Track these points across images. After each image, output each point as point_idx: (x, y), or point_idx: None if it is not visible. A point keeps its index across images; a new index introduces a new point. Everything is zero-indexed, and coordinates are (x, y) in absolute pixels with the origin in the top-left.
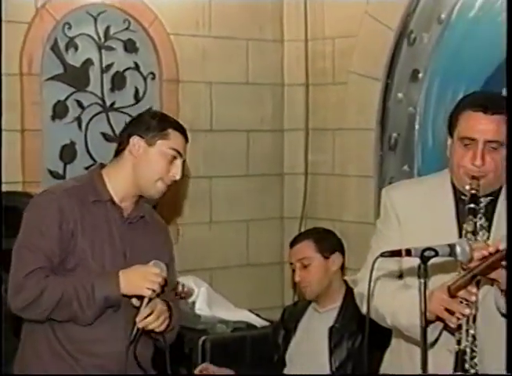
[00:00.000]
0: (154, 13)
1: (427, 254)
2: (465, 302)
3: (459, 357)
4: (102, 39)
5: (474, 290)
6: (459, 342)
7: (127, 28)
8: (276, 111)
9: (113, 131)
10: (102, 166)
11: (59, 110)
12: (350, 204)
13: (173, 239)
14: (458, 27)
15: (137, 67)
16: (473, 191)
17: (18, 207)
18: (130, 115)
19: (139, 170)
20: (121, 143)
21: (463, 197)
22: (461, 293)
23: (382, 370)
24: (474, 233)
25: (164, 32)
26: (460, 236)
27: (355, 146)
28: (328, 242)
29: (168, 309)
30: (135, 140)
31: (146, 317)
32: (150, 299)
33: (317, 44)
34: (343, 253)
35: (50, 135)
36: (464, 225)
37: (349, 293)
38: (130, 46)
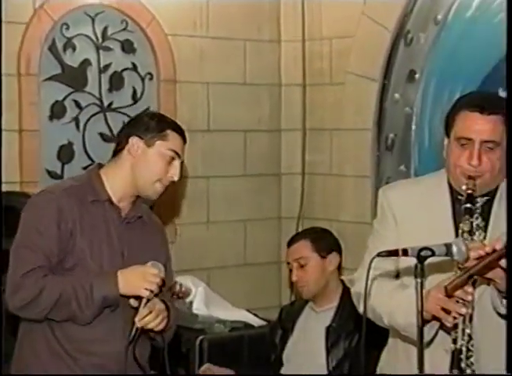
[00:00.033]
0: (152, 14)
1: (423, 253)
2: (461, 302)
3: (455, 356)
4: (100, 39)
5: (470, 289)
6: (455, 341)
7: (124, 29)
8: (274, 111)
9: (111, 131)
10: (100, 166)
11: (56, 111)
12: (347, 203)
13: (171, 239)
14: (454, 27)
15: (135, 68)
16: (469, 191)
17: (16, 207)
18: (128, 115)
19: (138, 170)
20: (120, 143)
21: (459, 197)
22: (457, 292)
23: (379, 370)
24: (471, 232)
25: (161, 33)
26: (457, 235)
27: (352, 147)
28: (325, 242)
29: (166, 309)
30: (133, 141)
31: (144, 317)
32: (148, 300)
33: (314, 44)
34: (340, 253)
35: (48, 136)
36: (461, 225)
37: (346, 293)
38: (128, 47)
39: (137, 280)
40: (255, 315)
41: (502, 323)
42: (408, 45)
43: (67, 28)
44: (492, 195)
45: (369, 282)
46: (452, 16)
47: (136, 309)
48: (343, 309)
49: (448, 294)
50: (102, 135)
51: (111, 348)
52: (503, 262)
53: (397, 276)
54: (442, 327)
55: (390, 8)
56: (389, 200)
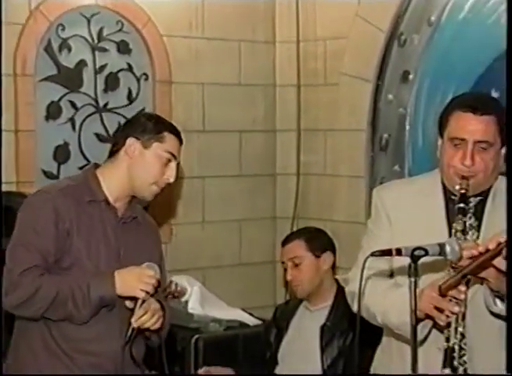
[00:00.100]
0: (147, 15)
1: (417, 253)
2: (454, 300)
3: (448, 354)
4: (96, 40)
5: (463, 288)
6: (448, 340)
7: (120, 30)
8: (268, 112)
9: (107, 131)
10: (97, 166)
11: (52, 111)
12: (341, 203)
13: (166, 238)
14: (448, 28)
15: (130, 68)
16: (462, 191)
17: (12, 207)
18: (123, 116)
19: (134, 172)
20: (116, 144)
21: (453, 197)
22: (450, 291)
23: (373, 369)
24: (464, 232)
25: (156, 33)
26: (450, 235)
27: (347, 147)
28: (319, 241)
29: (161, 308)
30: (130, 142)
31: (140, 317)
32: (144, 300)
33: (309, 45)
34: (334, 252)
35: (44, 136)
36: (454, 225)
37: (340, 292)
38: (123, 47)
39: (133, 281)
40: (250, 314)
41: (495, 321)
42: (401, 46)
43: (63, 29)
44: (485, 195)
45: (363, 281)
46: (446, 17)
47: (132, 310)
48: (337, 308)
49: (443, 294)
50: (97, 135)
51: (108, 347)
52: (496, 262)
53: (391, 275)
54: (435, 325)
55: (384, 9)
56: (383, 200)
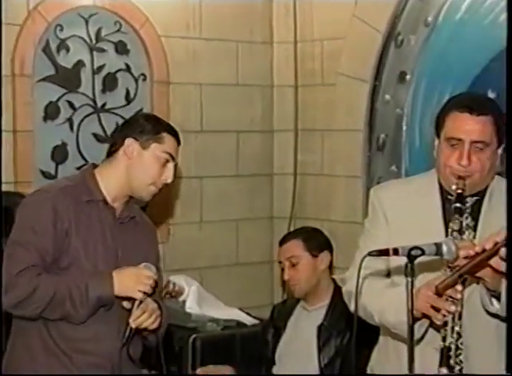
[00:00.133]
0: (145, 15)
1: (413, 253)
2: (450, 300)
3: (444, 354)
4: (94, 41)
5: (460, 287)
6: (444, 339)
7: (118, 30)
8: (266, 112)
9: (105, 131)
10: (95, 166)
11: (50, 111)
12: (338, 203)
13: (164, 238)
14: (444, 29)
15: (128, 69)
16: (459, 190)
17: (10, 207)
18: (121, 116)
19: (133, 172)
20: (114, 144)
21: (449, 197)
22: (447, 291)
23: (369, 368)
24: (460, 231)
25: (154, 34)
26: (447, 235)
27: (344, 147)
28: (316, 241)
29: (159, 307)
30: (129, 142)
31: (138, 317)
32: (141, 301)
33: (306, 46)
34: (331, 252)
35: (42, 136)
36: (450, 224)
37: (337, 291)
38: (121, 48)
39: (131, 281)
40: (248, 314)
41: (491, 321)
42: (398, 46)
43: (61, 29)
44: (481, 195)
45: (360, 281)
46: (442, 18)
47: (129, 311)
48: (334, 307)
49: (440, 294)
50: (95, 135)
51: (106, 347)
52: (493, 262)
53: (388, 274)
54: (432, 324)
55: (380, 10)
56: (380, 199)
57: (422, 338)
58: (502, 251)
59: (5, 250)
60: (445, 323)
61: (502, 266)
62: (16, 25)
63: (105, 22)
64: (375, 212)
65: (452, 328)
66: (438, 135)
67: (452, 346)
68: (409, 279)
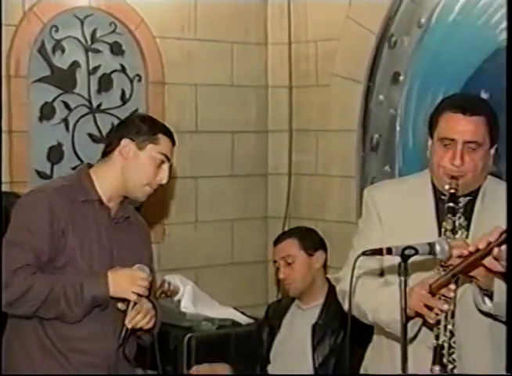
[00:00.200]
0: (140, 16)
1: (407, 252)
2: (443, 298)
3: (438, 352)
4: (89, 42)
5: (453, 286)
6: (437, 337)
7: (113, 31)
8: (260, 113)
9: (100, 132)
10: (90, 166)
11: (46, 112)
12: (332, 203)
13: (159, 238)
14: (437, 30)
15: (123, 69)
16: (452, 190)
17: (5, 207)
18: (117, 116)
19: (128, 172)
20: (110, 145)
21: (442, 197)
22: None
23: (363, 367)
24: (453, 231)
25: (149, 35)
26: (440, 234)
27: (338, 147)
28: (311, 240)
29: (153, 307)
30: (125, 143)
31: (133, 317)
32: (135, 302)
33: (300, 47)
34: (325, 251)
35: (37, 136)
36: (443, 224)
37: (331, 291)
38: (116, 49)
39: (125, 283)
40: (242, 313)
41: (484, 320)
42: (392, 47)
43: (56, 30)
44: (474, 195)
45: (354, 280)
46: (435, 19)
47: (124, 312)
48: (328, 306)
49: (433, 293)
50: (91, 135)
51: (102, 346)
52: (486, 261)
53: (381, 274)
54: (425, 323)
55: (374, 11)
56: (374, 199)
57: (415, 336)
58: (495, 250)
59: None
60: (438, 322)
61: (495, 266)
62: (12, 26)
63: (100, 23)
64: (369, 212)
65: (445, 327)
66: (432, 136)
67: (445, 345)
68: (403, 278)
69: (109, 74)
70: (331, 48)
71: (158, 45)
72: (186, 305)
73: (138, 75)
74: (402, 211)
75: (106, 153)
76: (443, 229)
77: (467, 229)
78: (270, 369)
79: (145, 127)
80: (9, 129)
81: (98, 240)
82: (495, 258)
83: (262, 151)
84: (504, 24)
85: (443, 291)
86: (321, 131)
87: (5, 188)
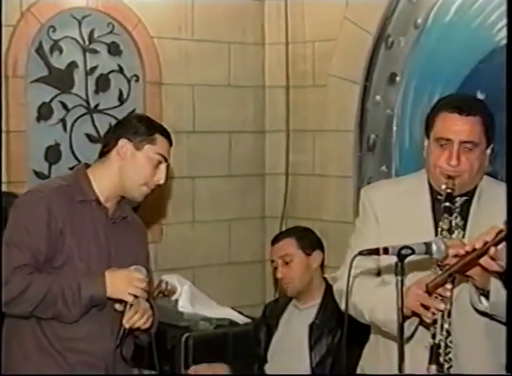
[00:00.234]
0: (138, 17)
1: (403, 252)
2: (440, 298)
3: (434, 351)
4: (87, 42)
5: (449, 286)
6: (433, 336)
7: (111, 31)
8: (258, 113)
9: (98, 132)
10: (87, 166)
11: (43, 112)
12: (329, 203)
13: (157, 238)
14: (434, 31)
15: (121, 70)
16: (448, 190)
17: (3, 207)
18: (114, 117)
19: (125, 172)
20: (107, 145)
21: (439, 197)
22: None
23: (360, 366)
24: (450, 231)
25: (147, 35)
26: (436, 234)
27: (335, 147)
28: (309, 240)
29: (150, 307)
30: (123, 143)
31: (131, 317)
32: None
33: (297, 47)
34: (323, 251)
35: (35, 136)
36: (440, 223)
37: (329, 290)
38: (114, 49)
39: (122, 284)
40: (240, 312)
41: (480, 319)
42: (389, 48)
43: (54, 31)
44: (470, 195)
45: (351, 279)
46: (432, 20)
47: (121, 313)
48: (326, 306)
49: (430, 292)
50: (88, 136)
51: (99, 346)
52: (483, 261)
53: (378, 273)
54: (422, 322)
55: (371, 12)
56: (371, 199)
57: (412, 336)
58: (492, 250)
59: None
60: (435, 321)
61: (492, 265)
62: (9, 26)
63: (98, 23)
64: (365, 212)
65: (442, 326)
66: (428, 136)
67: (442, 344)
68: (399, 278)
69: (106, 75)
70: (328, 49)
71: (155, 45)
72: (184, 305)
73: (135, 75)
74: (399, 210)
75: (103, 153)
76: (439, 229)
77: (464, 228)
78: (267, 368)
79: (142, 127)
80: (6, 129)
81: (95, 240)
82: (492, 258)
83: (259, 151)
84: (500, 25)
85: (439, 290)
86: (318, 132)
87: (2, 188)
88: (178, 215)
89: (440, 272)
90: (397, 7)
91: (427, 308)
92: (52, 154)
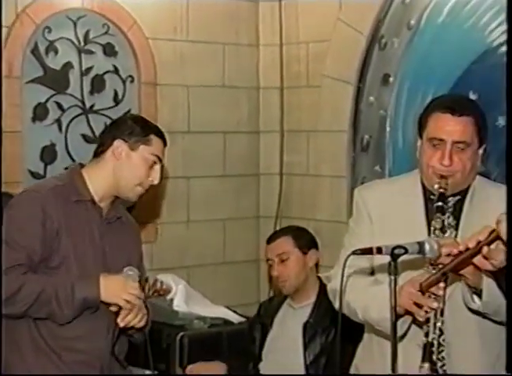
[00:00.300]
0: (133, 18)
1: (397, 251)
2: (433, 296)
3: (427, 349)
4: (82, 43)
5: (442, 285)
6: (427, 335)
7: (106, 32)
8: (252, 113)
9: (93, 132)
10: (81, 166)
11: (39, 112)
12: (323, 203)
13: (152, 238)
14: (427, 32)
15: (116, 70)
16: (441, 190)
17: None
18: (109, 117)
19: (120, 173)
20: (102, 145)
21: (432, 197)
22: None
23: (354, 365)
24: (442, 230)
25: (142, 36)
26: (429, 233)
27: (329, 148)
28: (305, 239)
29: (145, 306)
30: (118, 143)
31: (125, 316)
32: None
33: (291, 48)
34: (318, 250)
35: (31, 137)
36: (433, 223)
37: (323, 289)
38: (109, 50)
39: (117, 288)
40: (234, 312)
41: (473, 317)
42: (382, 49)
43: (49, 31)
44: (463, 194)
45: (345, 279)
46: (425, 21)
47: (116, 314)
48: (320, 305)
49: (423, 291)
50: (84, 136)
51: (95, 345)
52: (476, 260)
53: (371, 273)
54: (415, 321)
55: (364, 13)
56: (364, 199)
57: (405, 334)
58: (485, 249)
59: None
60: (428, 320)
61: (485, 264)
62: (5, 27)
63: (93, 24)
64: (359, 212)
65: (435, 324)
66: (421, 136)
67: (435, 342)
68: (392, 277)
69: (101, 75)
70: (322, 50)
71: (150, 46)
72: (179, 304)
73: (130, 76)
74: (392, 210)
75: (98, 154)
76: (432, 229)
77: (456, 228)
78: (262, 367)
79: (137, 128)
80: (1, 130)
81: (90, 240)
82: (485, 257)
83: (254, 151)
84: (492, 26)
85: (433, 289)
86: (312, 132)
87: None
88: (172, 214)
89: (433, 272)
90: (390, 8)
91: (420, 306)
92: (48, 154)
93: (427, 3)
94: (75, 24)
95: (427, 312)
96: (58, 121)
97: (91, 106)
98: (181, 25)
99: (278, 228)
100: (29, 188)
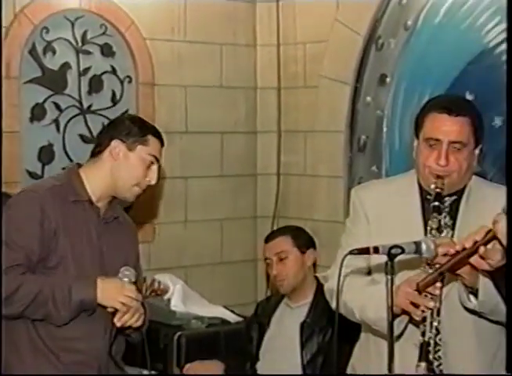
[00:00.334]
0: (130, 18)
1: (393, 251)
2: (429, 296)
3: (424, 348)
4: (80, 43)
5: (439, 284)
6: (423, 334)
7: (104, 33)
8: (249, 114)
9: (91, 133)
10: (79, 166)
11: (37, 113)
12: (321, 203)
13: (149, 238)
14: (423, 32)
15: (114, 71)
16: (438, 190)
17: None
18: (107, 117)
19: (118, 173)
20: (100, 145)
21: (428, 197)
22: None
23: (351, 364)
24: (439, 230)
25: (140, 37)
26: (426, 233)
27: (326, 148)
28: (303, 238)
29: (142, 306)
30: (116, 144)
31: (122, 316)
32: None
33: (289, 49)
34: (315, 250)
35: (28, 137)
36: (429, 223)
37: (320, 289)
38: (107, 50)
39: (114, 292)
40: (232, 311)
41: (469, 317)
42: (379, 49)
43: (47, 32)
44: (459, 194)
45: (342, 278)
46: (422, 22)
47: (113, 314)
48: (317, 305)
49: (420, 291)
50: (81, 136)
51: (93, 345)
52: (473, 260)
53: (368, 272)
54: (411, 320)
55: (362, 14)
56: (361, 199)
57: (402, 333)
58: (482, 249)
59: None
60: (424, 319)
61: (481, 264)
62: (3, 27)
63: (91, 25)
64: (356, 212)
65: (431, 324)
66: (417, 136)
67: (431, 342)
68: (389, 276)
69: (99, 76)
70: (319, 50)
71: (148, 46)
72: (176, 304)
73: (128, 76)
74: (389, 210)
75: (95, 154)
76: (429, 228)
77: (453, 228)
78: (259, 366)
79: (135, 128)
80: (1, 130)
81: (88, 240)
82: (482, 257)
83: (251, 152)
84: (489, 27)
85: (429, 288)
86: (309, 132)
87: None
88: (170, 214)
89: (430, 271)
90: (387, 9)
91: (416, 306)
92: (46, 155)
93: (424, 4)
94: (73, 25)
95: (423, 311)
96: (56, 122)
97: (89, 107)
98: (178, 25)
99: (275, 228)
100: (27, 188)
